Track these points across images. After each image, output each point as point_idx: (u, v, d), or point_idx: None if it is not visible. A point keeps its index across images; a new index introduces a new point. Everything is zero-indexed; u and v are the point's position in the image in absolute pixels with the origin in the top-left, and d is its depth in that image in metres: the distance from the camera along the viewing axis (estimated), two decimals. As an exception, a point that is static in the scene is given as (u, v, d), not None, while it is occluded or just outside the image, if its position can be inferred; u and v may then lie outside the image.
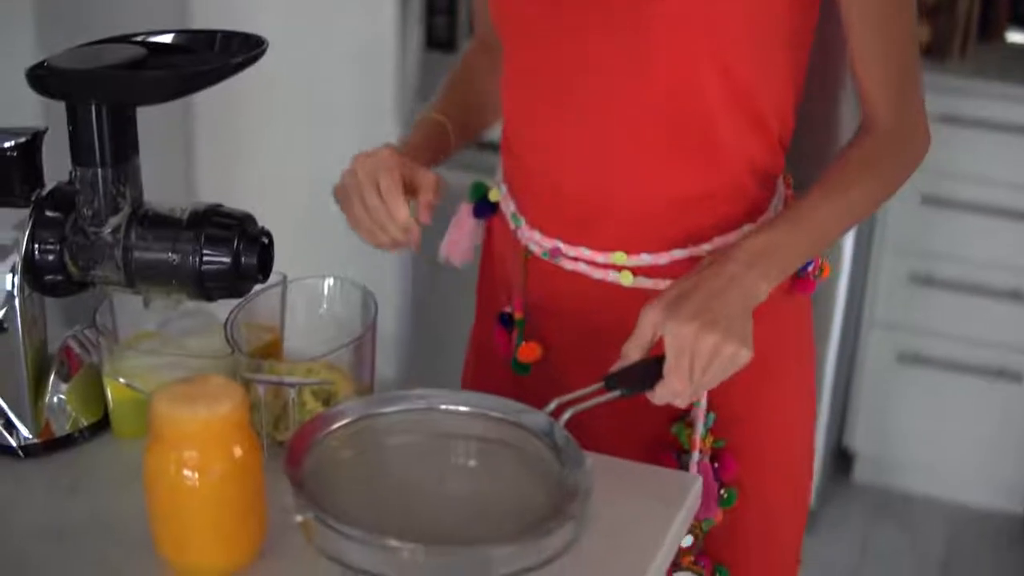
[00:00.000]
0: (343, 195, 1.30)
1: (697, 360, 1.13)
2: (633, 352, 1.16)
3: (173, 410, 1.00)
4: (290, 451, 1.01)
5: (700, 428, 1.33)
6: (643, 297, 1.26)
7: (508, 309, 1.42)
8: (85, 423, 1.24)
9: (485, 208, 1.45)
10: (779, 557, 1.50)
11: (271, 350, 1.29)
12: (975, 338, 2.86)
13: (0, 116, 2.82)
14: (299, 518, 0.96)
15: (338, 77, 3.16)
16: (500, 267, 1.45)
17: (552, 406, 1.09)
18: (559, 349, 1.39)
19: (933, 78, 2.74)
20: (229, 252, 1.15)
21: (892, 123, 1.30)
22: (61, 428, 1.23)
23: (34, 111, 2.67)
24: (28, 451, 1.21)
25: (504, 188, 1.41)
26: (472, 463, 1.09)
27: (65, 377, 1.24)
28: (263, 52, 1.15)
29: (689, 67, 1.23)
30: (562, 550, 0.98)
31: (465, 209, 1.47)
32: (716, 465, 1.37)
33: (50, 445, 1.22)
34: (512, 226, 1.39)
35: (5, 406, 1.20)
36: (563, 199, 1.32)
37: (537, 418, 1.08)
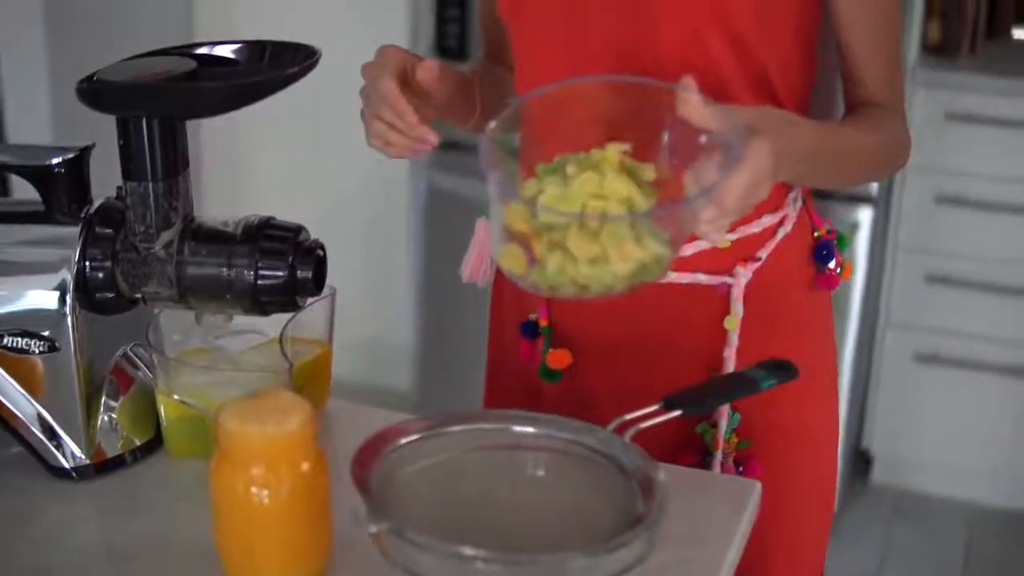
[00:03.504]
0: (363, 112, 1.29)
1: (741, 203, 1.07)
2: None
3: (241, 426, 0.99)
4: (358, 463, 1.00)
5: (723, 427, 1.33)
6: (667, 293, 1.29)
7: (533, 317, 1.41)
8: (137, 443, 1.22)
9: None
10: (803, 567, 1.47)
11: (320, 365, 1.27)
12: (991, 336, 2.86)
13: (12, 129, 2.83)
14: (372, 529, 0.94)
15: (348, 84, 3.15)
16: None
17: (613, 425, 1.08)
18: (586, 353, 1.38)
19: (943, 76, 2.76)
20: (285, 266, 1.13)
21: (888, 103, 1.33)
22: (113, 448, 1.21)
23: (43, 123, 2.69)
24: (81, 472, 1.19)
25: None
26: (540, 478, 1.07)
27: (115, 396, 1.22)
28: (316, 62, 1.13)
29: (696, 43, 1.24)
30: (635, 563, 0.97)
31: (482, 226, 1.46)
32: (740, 469, 1.37)
33: (102, 466, 1.20)
34: None
35: (58, 427, 1.18)
36: None
37: (601, 435, 1.07)
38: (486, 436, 1.07)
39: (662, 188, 1.05)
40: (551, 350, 1.38)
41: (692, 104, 1.04)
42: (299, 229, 1.16)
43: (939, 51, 2.82)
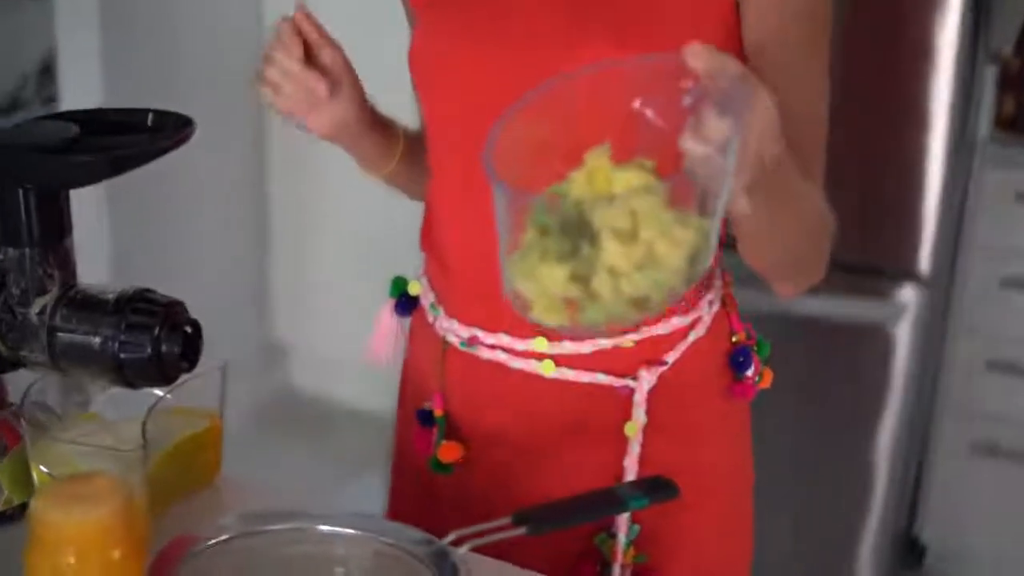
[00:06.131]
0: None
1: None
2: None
3: (48, 512, 0.97)
4: (156, 567, 0.97)
5: (622, 538, 1.25)
6: (565, 390, 1.21)
7: (427, 406, 1.35)
8: (17, 501, 1.22)
9: (406, 304, 1.41)
10: None
11: (207, 439, 1.25)
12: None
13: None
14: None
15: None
16: (419, 363, 1.40)
17: (451, 537, 1.03)
18: (481, 448, 1.32)
19: (1015, 153, 2.62)
20: (149, 340, 1.11)
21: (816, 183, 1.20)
22: (-7, 506, 1.21)
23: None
24: (-46, 529, 1.19)
25: (424, 280, 1.37)
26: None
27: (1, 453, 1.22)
28: (191, 134, 1.12)
29: None
30: None
31: (387, 306, 1.42)
32: None
33: (-20, 523, 1.20)
34: (430, 317, 1.34)
35: (-68, 483, 1.18)
36: (483, 290, 1.24)
37: (432, 548, 1.01)
38: (302, 540, 1.03)
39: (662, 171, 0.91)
40: (443, 442, 1.32)
41: (701, 50, 0.88)
42: (174, 304, 1.14)
43: (1012, 126, 2.68)
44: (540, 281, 0.87)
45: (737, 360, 1.30)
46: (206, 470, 1.27)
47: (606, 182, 0.89)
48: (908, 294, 2.50)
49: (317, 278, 3.55)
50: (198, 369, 1.18)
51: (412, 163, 1.40)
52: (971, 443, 2.76)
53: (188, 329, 1.13)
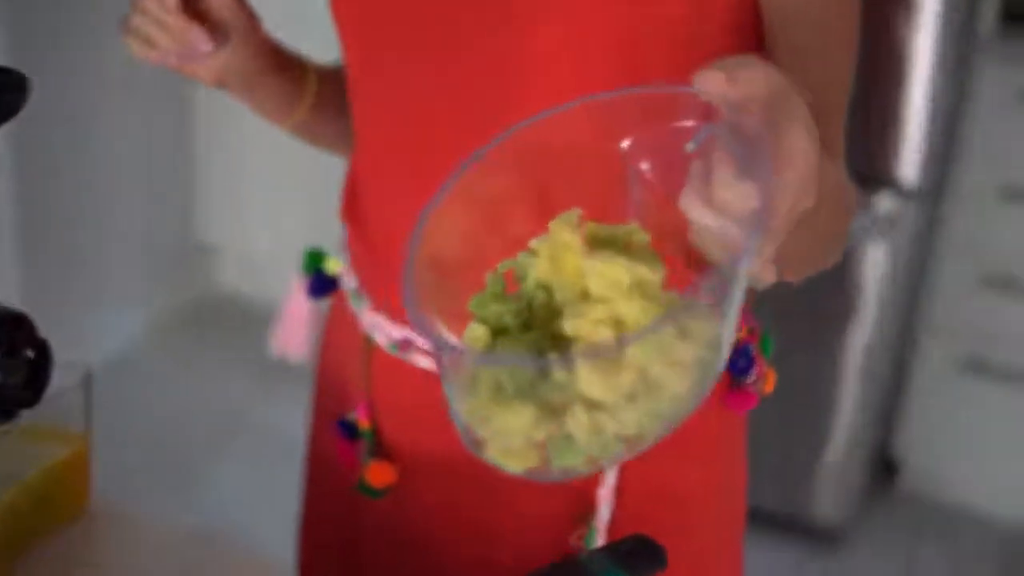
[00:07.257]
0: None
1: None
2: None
3: None
4: None
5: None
6: None
7: (351, 416, 1.10)
8: None
9: (323, 284, 1.14)
10: None
11: (71, 467, 1.03)
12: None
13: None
14: None
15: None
16: (339, 361, 1.13)
17: None
18: (415, 472, 1.06)
19: (1020, 48, 2.38)
20: (-21, 368, 0.88)
21: (836, 156, 0.94)
22: None
23: None
24: None
25: (346, 258, 1.10)
26: None
27: None
28: (25, 100, 0.87)
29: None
30: None
31: (298, 287, 1.18)
32: None
33: None
34: (353, 308, 1.08)
35: None
36: None
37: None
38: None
39: (659, 243, 0.67)
40: (372, 461, 1.07)
41: (716, 77, 0.62)
42: (15, 319, 0.91)
43: (1019, 19, 2.42)
44: (497, 427, 0.62)
45: (736, 363, 1.03)
46: (71, 503, 1.04)
47: (575, 272, 0.63)
48: (887, 204, 2.26)
49: (246, 175, 3.29)
50: (57, 383, 0.97)
51: (327, 111, 1.14)
52: (956, 362, 2.58)
53: (29, 354, 0.90)
